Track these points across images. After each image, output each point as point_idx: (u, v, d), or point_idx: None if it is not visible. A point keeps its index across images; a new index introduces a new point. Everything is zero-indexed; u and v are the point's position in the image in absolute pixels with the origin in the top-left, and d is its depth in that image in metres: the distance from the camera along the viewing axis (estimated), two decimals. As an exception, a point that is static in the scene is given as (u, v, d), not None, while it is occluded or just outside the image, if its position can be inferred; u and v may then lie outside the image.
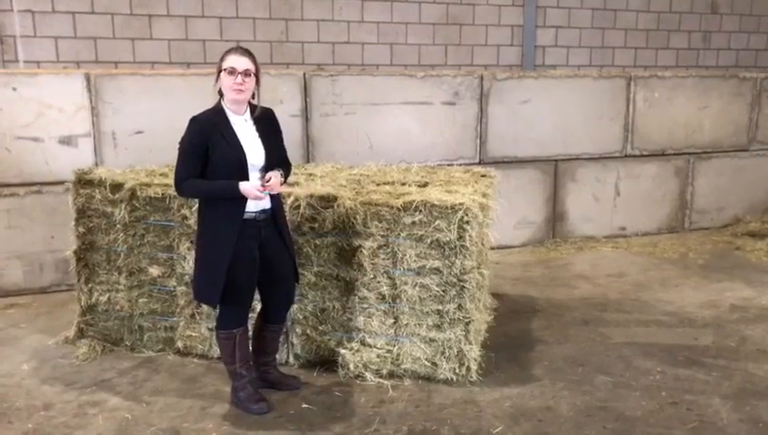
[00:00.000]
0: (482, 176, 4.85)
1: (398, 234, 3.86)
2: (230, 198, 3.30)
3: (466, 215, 3.77)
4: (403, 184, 4.37)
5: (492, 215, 4.39)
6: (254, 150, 3.36)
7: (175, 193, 3.61)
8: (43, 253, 5.42)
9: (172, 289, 4.23)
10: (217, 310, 3.58)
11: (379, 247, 3.90)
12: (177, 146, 3.33)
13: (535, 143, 6.78)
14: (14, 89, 5.20)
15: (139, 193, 4.15)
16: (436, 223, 3.79)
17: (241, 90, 3.27)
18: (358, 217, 3.88)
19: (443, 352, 3.91)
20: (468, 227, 3.77)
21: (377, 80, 6.26)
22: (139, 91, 5.52)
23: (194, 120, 3.30)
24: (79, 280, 4.35)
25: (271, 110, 3.54)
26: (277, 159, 3.48)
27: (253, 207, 3.38)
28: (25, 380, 3.95)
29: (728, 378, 4.00)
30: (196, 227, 3.59)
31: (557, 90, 6.79)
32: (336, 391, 3.81)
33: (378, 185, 4.35)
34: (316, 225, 3.95)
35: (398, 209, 3.83)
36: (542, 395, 3.79)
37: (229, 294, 3.38)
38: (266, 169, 3.39)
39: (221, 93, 3.35)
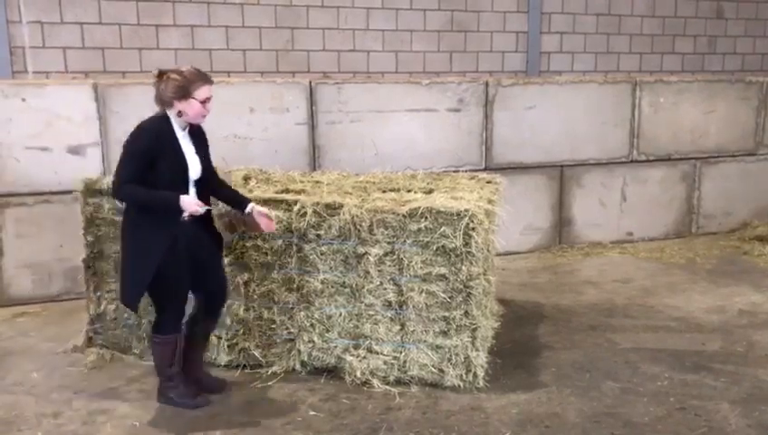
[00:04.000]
0: (487, 182, 4.85)
1: (404, 241, 3.87)
2: (168, 209, 3.44)
3: (472, 221, 3.78)
4: (409, 191, 4.39)
5: (498, 221, 4.40)
6: (193, 165, 3.53)
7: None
8: (52, 262, 5.45)
9: (180, 297, 4.24)
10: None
11: (386, 254, 3.91)
12: (122, 148, 3.43)
13: (541, 149, 6.77)
14: (24, 99, 5.26)
15: (146, 202, 4.18)
16: (442, 229, 3.80)
17: (206, 115, 3.52)
18: (364, 224, 3.90)
19: (450, 359, 3.91)
20: (474, 234, 3.78)
21: (382, 87, 6.28)
22: (146, 101, 5.51)
23: (145, 128, 3.44)
24: (88, 288, 4.38)
25: (200, 126, 3.66)
26: (210, 172, 3.67)
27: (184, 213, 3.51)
28: (35, 388, 3.97)
29: (737, 383, 3.98)
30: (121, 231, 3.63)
31: (562, 95, 6.80)
32: (343, 398, 3.82)
33: (383, 192, 4.36)
34: (322, 232, 3.97)
35: (404, 216, 3.85)
36: (550, 401, 3.79)
37: (167, 300, 3.53)
38: (201, 182, 3.58)
39: (166, 105, 3.46)
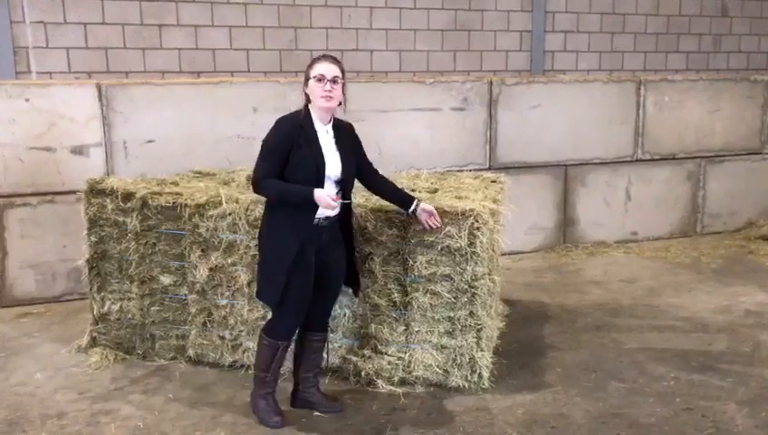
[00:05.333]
0: (492, 182, 4.84)
1: (409, 241, 3.86)
2: (302, 203, 3.32)
3: (477, 221, 3.76)
4: (413, 190, 4.37)
5: (502, 221, 4.38)
6: (333, 162, 3.39)
7: (258, 193, 3.45)
8: (55, 262, 5.45)
9: (184, 297, 4.24)
10: (269, 315, 3.59)
11: (390, 254, 3.90)
12: (261, 143, 3.37)
13: (545, 148, 6.75)
14: (27, 100, 5.25)
15: (150, 202, 4.17)
16: (447, 229, 3.78)
17: (330, 96, 3.31)
18: (368, 224, 3.88)
19: (455, 360, 3.90)
20: (479, 234, 3.76)
21: (386, 87, 6.26)
22: (149, 101, 5.56)
23: (281, 122, 3.36)
24: (91, 289, 4.38)
25: (351, 124, 3.58)
26: (365, 172, 3.57)
27: (318, 212, 3.38)
28: (39, 388, 3.97)
29: (743, 384, 3.96)
30: (259, 227, 3.56)
31: (566, 95, 6.77)
32: (348, 399, 3.81)
33: (388, 192, 4.34)
34: (326, 232, 3.94)
35: (409, 216, 3.83)
36: (555, 402, 3.77)
37: (284, 302, 3.40)
38: (341, 181, 3.44)
39: (308, 99, 3.38)
